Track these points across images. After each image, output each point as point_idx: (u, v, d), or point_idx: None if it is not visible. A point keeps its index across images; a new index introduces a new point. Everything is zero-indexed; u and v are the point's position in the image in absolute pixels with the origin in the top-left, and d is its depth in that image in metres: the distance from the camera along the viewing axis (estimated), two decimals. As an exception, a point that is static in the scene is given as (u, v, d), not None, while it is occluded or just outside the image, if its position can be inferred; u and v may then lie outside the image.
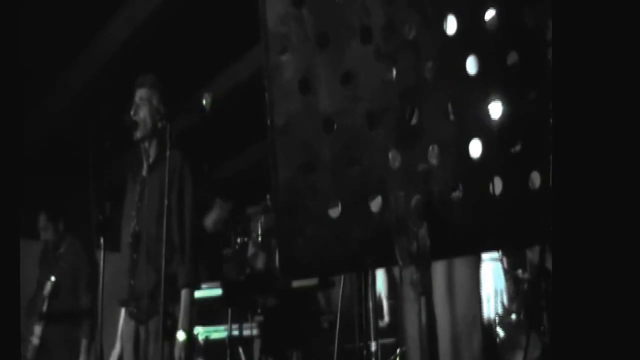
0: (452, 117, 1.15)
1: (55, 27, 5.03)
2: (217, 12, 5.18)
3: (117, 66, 5.41)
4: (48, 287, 4.74)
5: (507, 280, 3.00)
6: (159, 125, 3.35)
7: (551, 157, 1.12)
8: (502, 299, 2.06)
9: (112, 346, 3.44)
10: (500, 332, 3.47)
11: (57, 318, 4.82)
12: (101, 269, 3.18)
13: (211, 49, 5.68)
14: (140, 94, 3.46)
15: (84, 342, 4.81)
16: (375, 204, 1.21)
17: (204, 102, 3.04)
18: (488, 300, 2.07)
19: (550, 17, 1.12)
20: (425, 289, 1.19)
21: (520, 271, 3.64)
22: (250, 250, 5.31)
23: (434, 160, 1.17)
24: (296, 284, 4.12)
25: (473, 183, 1.16)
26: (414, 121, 1.18)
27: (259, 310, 4.42)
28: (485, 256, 2.09)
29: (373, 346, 2.10)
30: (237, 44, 5.65)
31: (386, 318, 3.56)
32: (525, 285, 3.55)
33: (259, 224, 5.61)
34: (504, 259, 2.10)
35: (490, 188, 1.16)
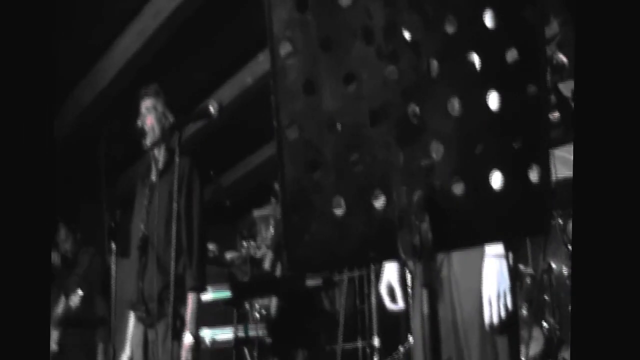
0: (453, 113, 1.19)
1: (67, 41, 5.11)
2: (223, 21, 5.25)
3: (127, 78, 5.48)
4: (76, 297, 4.80)
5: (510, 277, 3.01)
6: (167, 130, 3.43)
7: (573, 153, 1.16)
8: (505, 301, 1.99)
9: (122, 349, 3.48)
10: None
11: (73, 324, 4.89)
12: (113, 274, 3.24)
13: (217, 58, 5.75)
14: (146, 104, 3.56)
15: (101, 346, 4.89)
16: (378, 200, 1.25)
17: (212, 109, 3.09)
18: (490, 303, 2.00)
19: (548, 13, 1.16)
20: (427, 282, 1.23)
21: (522, 266, 3.67)
22: (259, 252, 5.35)
23: (435, 156, 1.21)
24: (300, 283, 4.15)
25: (474, 177, 1.20)
26: (415, 118, 1.21)
27: (263, 311, 4.45)
28: (490, 252, 2.03)
29: (376, 342, 2.13)
30: (241, 52, 5.73)
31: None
32: (528, 280, 3.57)
33: (271, 227, 5.65)
34: (510, 255, 2.05)
35: (491, 182, 1.19)
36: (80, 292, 4.77)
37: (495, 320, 1.97)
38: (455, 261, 2.06)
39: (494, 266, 1.98)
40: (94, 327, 4.94)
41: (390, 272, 2.35)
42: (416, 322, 2.19)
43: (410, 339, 2.40)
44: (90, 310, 4.94)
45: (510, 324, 1.99)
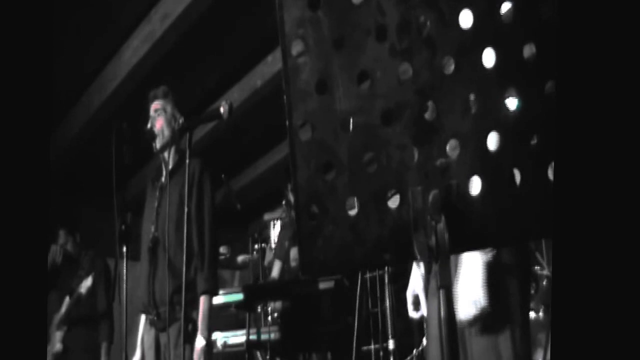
0: (469, 111, 1.16)
1: (75, 45, 5.13)
2: (232, 24, 5.26)
3: (136, 81, 5.49)
4: (88, 280, 4.81)
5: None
6: (177, 131, 3.43)
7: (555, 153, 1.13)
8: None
9: (134, 353, 3.47)
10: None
11: (77, 323, 4.92)
12: (124, 278, 3.23)
13: (226, 61, 5.76)
14: (155, 106, 3.54)
15: (103, 345, 4.91)
16: (393, 201, 1.23)
17: (222, 110, 3.08)
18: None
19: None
20: (444, 282, 1.20)
21: (538, 268, 3.62)
22: (269, 256, 5.35)
23: (451, 155, 1.18)
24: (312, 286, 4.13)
25: (491, 176, 1.17)
26: (430, 116, 1.19)
27: (275, 315, 4.44)
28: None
29: (391, 344, 2.11)
30: (250, 54, 5.74)
31: None
32: (544, 282, 3.53)
33: (274, 231, 5.65)
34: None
35: (509, 181, 1.17)
36: (89, 280, 4.76)
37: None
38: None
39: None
40: (97, 324, 4.94)
41: (416, 279, 2.33)
42: (432, 325, 2.17)
43: (424, 341, 2.36)
44: (93, 307, 4.95)
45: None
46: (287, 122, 1.26)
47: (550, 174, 1.14)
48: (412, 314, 2.32)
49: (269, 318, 4.49)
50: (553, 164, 1.14)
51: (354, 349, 2.45)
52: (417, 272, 2.31)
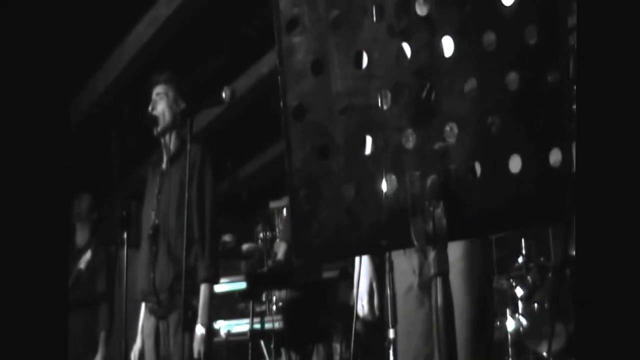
0: (469, 93, 1.12)
1: (81, 30, 5.11)
2: (239, 9, 5.22)
3: (140, 66, 5.46)
4: (88, 254, 4.73)
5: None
6: (178, 116, 3.40)
7: (574, 142, 1.10)
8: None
9: (133, 340, 3.45)
10: (524, 321, 3.43)
11: (75, 307, 4.82)
12: (125, 265, 3.21)
13: (234, 48, 5.73)
14: (157, 90, 3.52)
15: (102, 335, 4.79)
16: (390, 185, 1.20)
17: (224, 94, 3.07)
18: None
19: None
20: (441, 270, 1.17)
21: (543, 259, 3.59)
22: (277, 244, 5.34)
23: (450, 139, 1.15)
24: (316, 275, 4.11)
25: (491, 161, 1.14)
26: (429, 99, 1.16)
27: (280, 304, 4.42)
28: None
29: (391, 334, 2.08)
30: (259, 41, 5.70)
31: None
32: (550, 274, 3.49)
33: (282, 217, 5.63)
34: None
35: (509, 166, 1.13)
36: (89, 254, 4.71)
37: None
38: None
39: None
40: (96, 309, 4.85)
41: (368, 273, 2.27)
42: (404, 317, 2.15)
43: (391, 333, 2.27)
44: (92, 290, 4.87)
45: None
46: (281, 103, 1.23)
47: (551, 159, 1.10)
48: (368, 313, 2.24)
49: (274, 307, 4.46)
50: (554, 149, 1.11)
51: (353, 336, 2.42)
52: (369, 267, 2.25)
